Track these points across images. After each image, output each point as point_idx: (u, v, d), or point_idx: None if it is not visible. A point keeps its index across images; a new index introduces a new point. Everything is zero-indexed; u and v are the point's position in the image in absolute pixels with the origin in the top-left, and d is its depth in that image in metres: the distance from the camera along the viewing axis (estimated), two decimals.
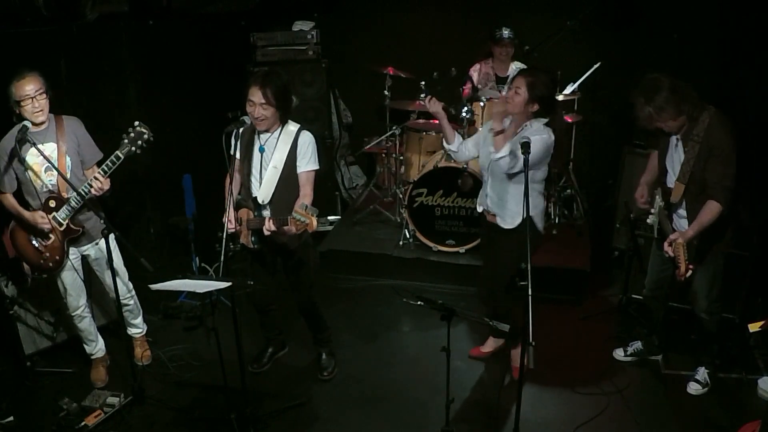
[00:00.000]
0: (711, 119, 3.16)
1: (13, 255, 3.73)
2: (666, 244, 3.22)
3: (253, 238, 3.50)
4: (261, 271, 3.72)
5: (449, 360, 3.08)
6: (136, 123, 3.44)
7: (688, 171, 3.23)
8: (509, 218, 3.49)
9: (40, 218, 3.50)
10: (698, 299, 3.55)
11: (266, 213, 3.47)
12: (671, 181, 3.36)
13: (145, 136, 3.44)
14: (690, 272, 3.12)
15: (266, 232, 3.30)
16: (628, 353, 4.03)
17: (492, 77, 5.29)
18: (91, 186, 3.43)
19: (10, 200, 3.55)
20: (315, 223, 3.05)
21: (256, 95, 3.29)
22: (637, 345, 4.03)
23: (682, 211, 3.37)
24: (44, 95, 3.39)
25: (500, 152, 3.34)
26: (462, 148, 3.69)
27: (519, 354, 3.55)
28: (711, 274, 3.44)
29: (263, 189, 3.47)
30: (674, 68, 5.10)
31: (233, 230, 3.49)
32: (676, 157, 3.32)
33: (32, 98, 3.35)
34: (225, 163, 3.49)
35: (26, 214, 3.53)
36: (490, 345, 4.04)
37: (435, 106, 3.57)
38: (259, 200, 3.48)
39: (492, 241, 3.66)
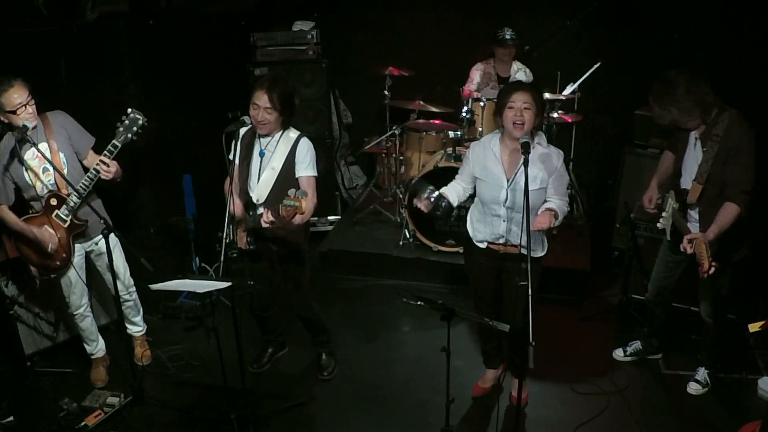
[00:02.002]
0: (731, 120, 3.13)
1: (14, 255, 3.72)
2: (685, 241, 3.16)
3: (248, 239, 3.50)
4: (258, 275, 3.71)
5: (449, 360, 3.07)
6: (129, 110, 3.44)
7: (706, 171, 3.19)
8: (538, 245, 3.28)
9: (49, 236, 3.49)
10: (706, 305, 3.54)
11: (260, 211, 3.47)
12: (686, 182, 3.31)
13: (140, 122, 3.43)
14: (713, 269, 3.07)
15: (264, 225, 3.26)
16: (628, 353, 4.03)
17: (494, 77, 5.29)
18: (98, 171, 3.43)
19: (11, 215, 3.52)
20: (304, 205, 3.03)
21: (261, 99, 3.30)
22: (637, 345, 4.03)
23: (695, 214, 3.34)
24: (33, 100, 3.38)
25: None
26: (460, 198, 3.37)
27: (516, 385, 3.47)
28: (720, 279, 3.42)
29: (259, 188, 3.48)
30: (674, 68, 5.15)
31: (243, 247, 3.50)
32: (693, 157, 3.28)
33: (25, 105, 3.33)
34: (225, 164, 3.50)
35: (32, 230, 3.50)
36: (490, 379, 3.81)
37: (426, 205, 3.19)
38: (254, 199, 3.49)
39: (503, 270, 3.36)
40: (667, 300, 3.82)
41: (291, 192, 3.05)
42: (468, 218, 3.45)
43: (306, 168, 3.46)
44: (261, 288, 3.72)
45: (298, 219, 3.15)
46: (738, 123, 3.14)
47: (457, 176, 3.42)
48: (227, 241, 3.37)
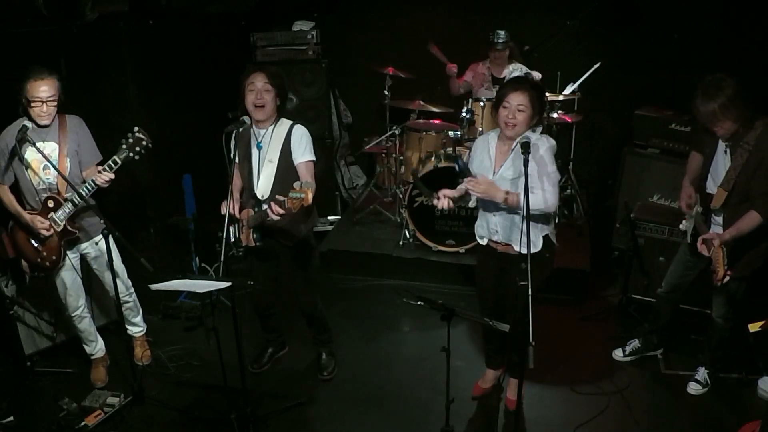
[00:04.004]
0: (764, 129, 3.10)
1: (12, 255, 3.72)
2: (699, 242, 3.17)
3: (255, 236, 3.50)
4: (263, 273, 3.72)
5: (449, 360, 3.07)
6: (136, 129, 3.42)
7: (732, 178, 3.17)
8: (531, 242, 3.17)
9: (39, 222, 3.49)
10: (719, 305, 3.53)
11: (265, 207, 3.47)
12: (711, 186, 3.30)
13: (144, 143, 3.41)
14: (727, 278, 3.08)
15: (274, 218, 3.21)
16: (627, 353, 4.03)
17: (488, 78, 5.30)
18: (95, 182, 3.41)
19: (9, 196, 3.55)
20: (310, 196, 3.01)
21: (257, 79, 3.34)
22: (635, 343, 4.03)
23: (719, 219, 3.32)
24: (55, 102, 3.38)
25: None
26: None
27: (514, 386, 3.50)
28: (737, 284, 3.41)
29: (262, 184, 3.48)
30: (674, 68, 5.15)
31: (250, 244, 3.49)
32: (722, 164, 3.26)
33: (43, 102, 3.34)
34: (225, 163, 3.50)
35: (25, 215, 3.52)
36: (490, 380, 3.80)
37: (446, 203, 3.16)
38: (259, 195, 3.49)
39: (504, 271, 3.37)
40: (678, 298, 3.82)
41: (297, 184, 3.05)
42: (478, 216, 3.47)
43: (303, 153, 3.46)
44: (262, 288, 3.73)
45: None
46: None
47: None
48: (233, 240, 3.38)
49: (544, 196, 3.07)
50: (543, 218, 3.24)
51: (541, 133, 3.37)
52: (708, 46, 5.21)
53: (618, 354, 4.06)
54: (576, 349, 4.20)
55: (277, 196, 3.17)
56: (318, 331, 4.01)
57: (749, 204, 3.16)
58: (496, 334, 3.61)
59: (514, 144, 3.13)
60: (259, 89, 3.34)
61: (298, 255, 3.66)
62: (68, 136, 3.52)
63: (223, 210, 3.40)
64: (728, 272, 3.08)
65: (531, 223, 3.04)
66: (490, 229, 3.30)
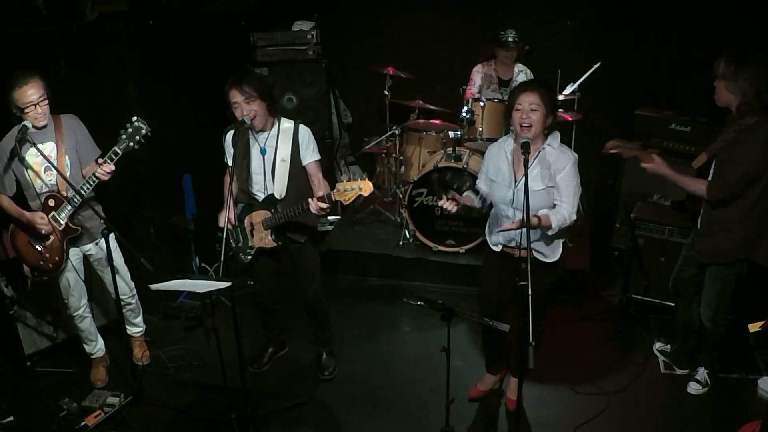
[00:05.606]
0: (759, 124, 3.10)
1: (12, 255, 3.72)
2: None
3: (273, 236, 3.52)
4: (269, 269, 3.73)
5: (449, 360, 3.07)
6: (135, 118, 3.42)
7: (715, 148, 3.26)
8: (550, 250, 3.22)
9: (39, 219, 3.49)
10: (704, 307, 3.53)
11: (280, 207, 3.49)
12: None
13: (143, 131, 3.41)
14: (616, 150, 3.34)
15: (320, 212, 3.25)
16: (658, 349, 4.06)
17: (495, 80, 5.28)
18: (96, 175, 3.41)
19: (8, 201, 3.55)
20: (370, 185, 3.08)
21: (236, 96, 3.34)
22: (664, 346, 4.04)
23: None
24: (46, 100, 3.39)
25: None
26: (484, 202, 3.38)
27: (514, 386, 3.50)
28: (720, 285, 3.41)
29: (278, 184, 3.50)
30: (674, 68, 5.14)
31: (268, 245, 3.53)
32: None
33: (35, 105, 3.35)
34: (224, 163, 3.49)
35: (26, 214, 3.52)
36: (488, 383, 3.79)
37: (451, 206, 3.14)
38: (277, 195, 3.52)
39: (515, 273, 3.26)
40: (683, 297, 3.76)
41: (344, 177, 3.10)
42: (487, 222, 3.43)
43: (312, 153, 3.54)
44: (266, 286, 3.74)
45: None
46: (762, 128, 3.09)
47: (477, 180, 3.42)
48: (234, 246, 3.38)
49: (568, 211, 3.07)
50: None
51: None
52: (708, 46, 5.19)
53: (657, 346, 4.08)
54: (576, 349, 4.20)
55: (320, 193, 3.24)
56: (319, 329, 4.01)
57: (734, 204, 3.20)
58: (494, 340, 3.63)
59: (537, 152, 3.10)
60: (241, 104, 3.35)
61: (307, 248, 3.70)
62: (65, 134, 3.52)
63: (222, 222, 3.45)
64: (618, 146, 3.30)
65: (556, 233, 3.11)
66: (506, 236, 3.22)
